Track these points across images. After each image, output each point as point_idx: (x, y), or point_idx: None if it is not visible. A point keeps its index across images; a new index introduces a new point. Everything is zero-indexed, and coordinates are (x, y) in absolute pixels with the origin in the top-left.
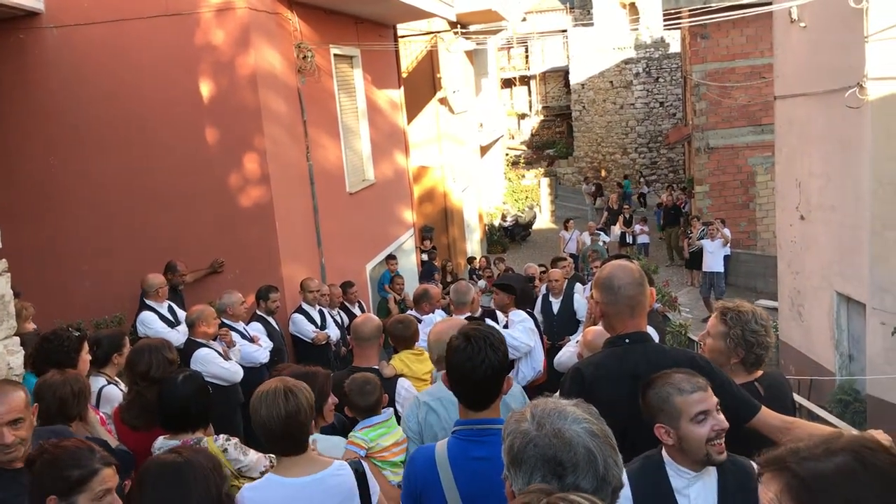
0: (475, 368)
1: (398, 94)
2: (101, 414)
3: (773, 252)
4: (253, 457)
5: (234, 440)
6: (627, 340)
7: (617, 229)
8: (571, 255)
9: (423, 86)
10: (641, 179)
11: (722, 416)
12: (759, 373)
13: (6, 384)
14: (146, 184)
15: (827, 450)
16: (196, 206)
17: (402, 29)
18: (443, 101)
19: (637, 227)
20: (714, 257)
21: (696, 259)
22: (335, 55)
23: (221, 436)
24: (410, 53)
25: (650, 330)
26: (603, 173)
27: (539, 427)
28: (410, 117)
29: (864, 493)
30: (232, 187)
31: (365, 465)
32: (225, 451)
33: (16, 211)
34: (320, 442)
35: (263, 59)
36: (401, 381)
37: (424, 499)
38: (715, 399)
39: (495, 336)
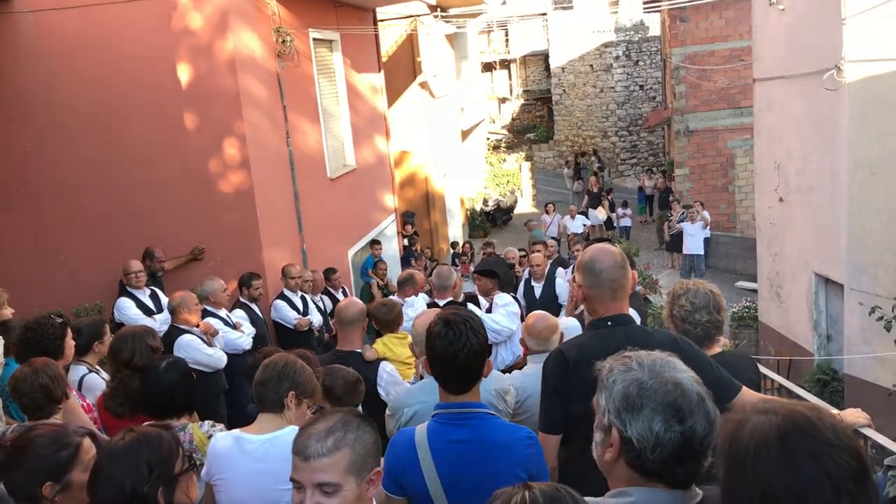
0: (456, 353)
1: (378, 79)
2: (86, 402)
3: (752, 234)
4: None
5: (220, 426)
6: (610, 323)
7: (601, 214)
8: (553, 239)
9: (403, 70)
10: (593, 158)
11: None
12: (716, 350)
13: None
14: (124, 170)
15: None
16: (176, 193)
17: (381, 13)
18: (423, 85)
19: (619, 211)
20: (694, 240)
21: (676, 242)
22: (314, 39)
23: (207, 422)
24: (390, 37)
25: (632, 312)
26: (591, 158)
27: (653, 375)
28: (391, 102)
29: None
30: (212, 173)
31: None
32: (210, 436)
33: None
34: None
35: (242, 43)
36: (383, 364)
37: (405, 481)
38: None
39: (475, 320)
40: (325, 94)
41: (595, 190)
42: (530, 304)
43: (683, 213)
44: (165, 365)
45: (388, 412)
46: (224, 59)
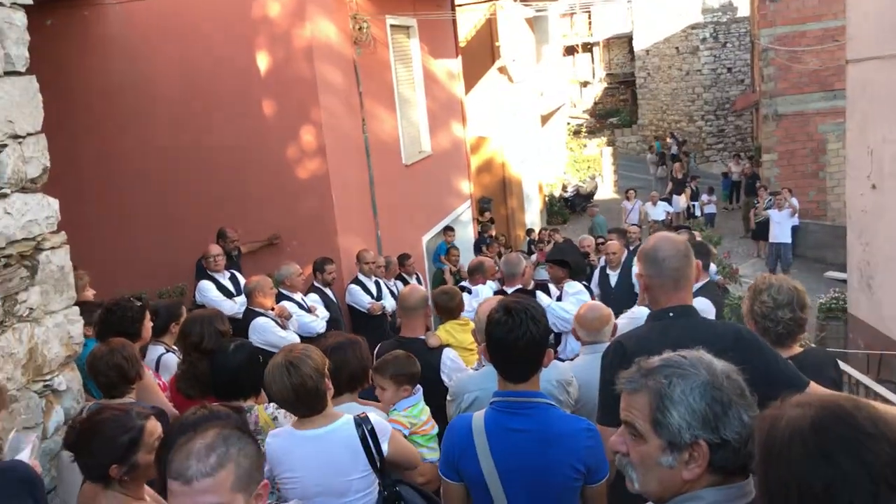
0: (515, 341)
1: (456, 64)
2: (162, 380)
3: (843, 222)
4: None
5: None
6: (671, 314)
7: (683, 201)
8: (634, 226)
9: (481, 55)
10: (670, 141)
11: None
12: (797, 350)
13: None
14: (205, 156)
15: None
16: (254, 179)
17: None
18: (502, 69)
19: (704, 197)
20: (781, 228)
21: (762, 230)
22: (391, 26)
23: (272, 404)
24: (469, 22)
25: (706, 303)
26: (667, 140)
27: (710, 371)
28: (468, 87)
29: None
30: (289, 159)
31: (376, 421)
32: (275, 418)
33: (82, 184)
34: (353, 409)
35: (319, 30)
36: (446, 351)
37: (461, 467)
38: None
39: (536, 309)
40: (402, 81)
41: (679, 176)
42: (605, 293)
43: (770, 199)
44: (233, 348)
45: (448, 397)
46: (301, 46)
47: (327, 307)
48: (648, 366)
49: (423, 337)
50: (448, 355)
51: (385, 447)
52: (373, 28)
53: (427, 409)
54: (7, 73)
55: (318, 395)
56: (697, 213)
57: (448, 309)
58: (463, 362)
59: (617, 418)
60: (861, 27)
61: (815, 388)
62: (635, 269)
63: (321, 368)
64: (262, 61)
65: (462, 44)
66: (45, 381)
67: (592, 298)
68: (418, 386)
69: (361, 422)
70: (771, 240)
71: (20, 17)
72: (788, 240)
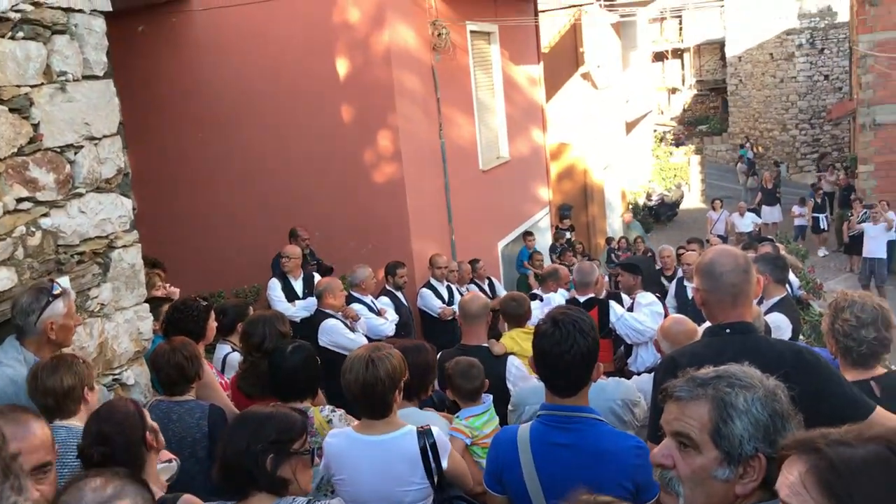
0: (563, 354)
1: (537, 70)
2: (224, 379)
3: None
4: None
5: (340, 412)
6: (728, 330)
7: (776, 212)
8: (720, 237)
9: (565, 60)
10: (747, 143)
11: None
12: (880, 371)
13: (20, 413)
14: (285, 159)
15: (859, 436)
16: (332, 181)
17: (543, 3)
18: (585, 76)
19: (795, 209)
20: (876, 242)
21: (856, 244)
22: (472, 31)
23: (328, 406)
24: (552, 28)
25: (781, 319)
26: (760, 150)
27: (763, 385)
28: (551, 93)
29: (893, 482)
30: (366, 163)
31: (438, 436)
32: (330, 420)
33: (169, 183)
34: (415, 416)
35: (398, 36)
36: (511, 359)
37: (505, 479)
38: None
39: (585, 321)
40: (481, 86)
41: (769, 186)
42: (682, 304)
43: (865, 212)
44: (291, 349)
45: (510, 407)
46: (380, 51)
47: (398, 310)
48: (704, 375)
49: (486, 345)
50: (513, 363)
51: (444, 463)
52: (452, 34)
53: (495, 419)
54: (85, 77)
55: (385, 400)
56: (823, 224)
57: (516, 316)
58: (527, 370)
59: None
60: None
61: (881, 413)
62: (694, 283)
63: (397, 377)
64: (342, 66)
65: (545, 49)
66: (115, 374)
67: (665, 310)
68: (487, 395)
69: (424, 434)
70: (865, 254)
71: (99, 24)
72: (884, 255)
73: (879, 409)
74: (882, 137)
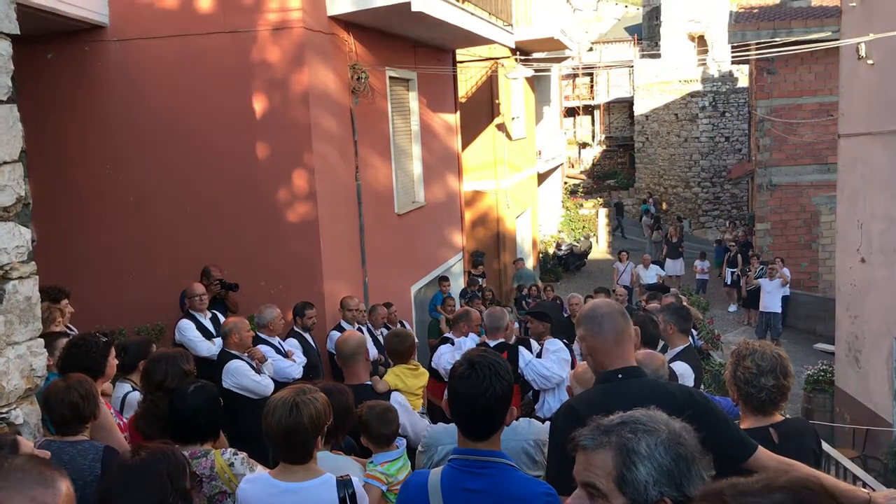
0: (478, 396)
1: (454, 118)
2: (123, 420)
3: (834, 295)
4: (259, 472)
5: (242, 455)
6: (620, 375)
7: (679, 266)
8: (625, 287)
9: (480, 110)
10: (650, 199)
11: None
12: (778, 418)
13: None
14: (196, 195)
15: (767, 486)
16: (243, 220)
17: (461, 54)
18: (500, 126)
19: (697, 264)
20: (772, 297)
21: (753, 298)
22: (391, 77)
23: (229, 449)
24: (469, 78)
25: (684, 367)
26: (664, 206)
27: (668, 428)
28: (466, 141)
29: None
30: (279, 202)
31: (357, 486)
32: (231, 464)
33: (72, 218)
34: (328, 461)
35: (317, 77)
36: (394, 395)
37: None
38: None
39: (501, 365)
40: (399, 132)
41: (675, 240)
42: None
43: (762, 268)
44: (193, 389)
45: (420, 448)
46: (298, 91)
47: (306, 353)
48: (608, 423)
49: (369, 383)
50: (397, 399)
51: None
52: (372, 78)
53: (408, 465)
54: None
55: (307, 446)
56: (729, 279)
57: (398, 352)
58: (411, 406)
59: (567, 487)
60: (853, 103)
61: (763, 452)
62: (578, 334)
63: (321, 422)
64: (259, 104)
65: (462, 99)
66: (2, 413)
67: (573, 356)
68: (401, 440)
69: (343, 485)
70: (761, 309)
71: (5, 47)
72: (778, 309)
73: (761, 449)
74: (778, 197)
